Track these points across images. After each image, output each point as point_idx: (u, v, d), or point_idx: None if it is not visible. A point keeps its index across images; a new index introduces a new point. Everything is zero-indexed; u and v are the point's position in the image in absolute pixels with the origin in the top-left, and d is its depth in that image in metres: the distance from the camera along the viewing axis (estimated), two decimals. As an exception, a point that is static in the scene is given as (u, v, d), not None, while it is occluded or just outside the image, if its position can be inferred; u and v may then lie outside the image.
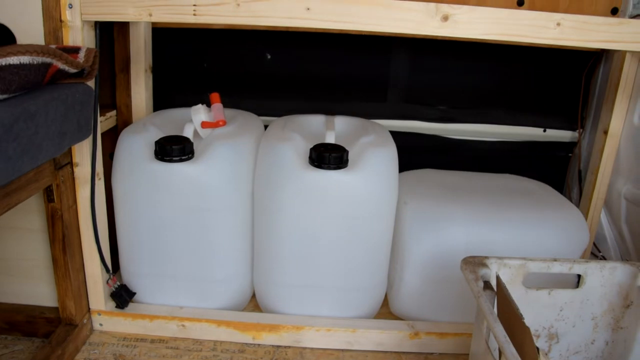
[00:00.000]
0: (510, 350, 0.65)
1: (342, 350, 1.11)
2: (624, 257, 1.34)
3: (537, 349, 0.70)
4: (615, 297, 0.93)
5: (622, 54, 1.27)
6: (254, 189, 1.10)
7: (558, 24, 0.93)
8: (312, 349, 1.11)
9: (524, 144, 1.47)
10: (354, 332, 1.10)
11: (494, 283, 0.84)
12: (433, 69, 1.40)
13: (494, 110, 1.44)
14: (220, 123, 1.13)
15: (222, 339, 1.11)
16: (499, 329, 0.69)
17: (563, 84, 1.44)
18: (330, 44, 1.38)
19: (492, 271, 0.87)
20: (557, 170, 1.50)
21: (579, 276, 0.94)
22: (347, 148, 1.04)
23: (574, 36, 0.94)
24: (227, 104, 1.19)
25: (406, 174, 1.27)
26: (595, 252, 1.42)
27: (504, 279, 0.89)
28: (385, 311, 1.21)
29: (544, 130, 1.47)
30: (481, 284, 0.81)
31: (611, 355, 0.96)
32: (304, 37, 1.37)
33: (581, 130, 1.46)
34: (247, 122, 1.20)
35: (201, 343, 1.10)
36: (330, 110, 1.35)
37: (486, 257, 0.88)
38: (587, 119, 1.46)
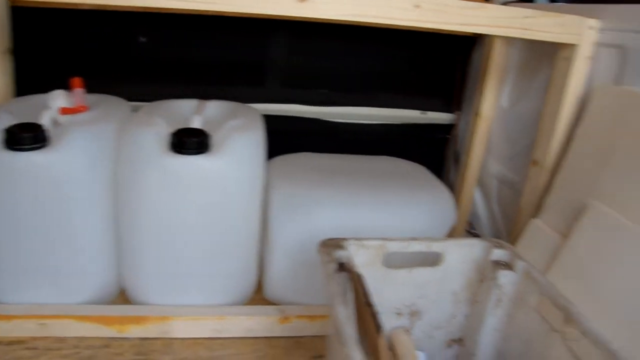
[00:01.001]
0: (346, 331, 0.65)
1: (211, 338, 1.08)
2: (496, 235, 1.41)
3: (379, 327, 0.71)
4: (472, 272, 0.96)
5: (492, 38, 1.32)
6: (116, 177, 1.05)
7: (417, 6, 0.94)
8: (181, 339, 1.07)
9: (405, 126, 1.50)
10: (222, 319, 1.07)
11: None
12: (313, 53, 1.40)
13: (375, 93, 1.46)
14: (81, 109, 1.07)
15: (85, 334, 1.05)
16: (340, 310, 0.69)
17: (442, 67, 1.48)
18: (207, 26, 1.34)
19: (350, 253, 0.87)
20: (436, 152, 1.55)
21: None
22: (213, 133, 1.01)
23: (434, 18, 0.96)
24: (98, 90, 1.13)
25: (280, 158, 1.25)
26: (470, 230, 1.48)
27: (363, 260, 0.90)
28: (259, 297, 1.19)
29: (424, 113, 1.50)
30: (334, 266, 0.81)
31: (469, 328, 0.99)
32: (180, 20, 1.32)
33: (459, 112, 1.51)
34: (112, 107, 1.14)
35: (63, 341, 1.04)
36: (207, 95, 1.31)
37: (344, 239, 0.88)
38: (464, 102, 1.51)
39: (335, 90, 1.43)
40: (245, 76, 1.39)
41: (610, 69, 1.02)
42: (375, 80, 1.44)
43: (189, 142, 0.97)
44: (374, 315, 0.69)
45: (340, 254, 0.85)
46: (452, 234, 1.40)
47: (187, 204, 1.01)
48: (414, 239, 0.93)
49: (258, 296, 1.19)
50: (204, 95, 1.30)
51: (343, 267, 0.84)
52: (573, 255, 0.95)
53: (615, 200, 0.92)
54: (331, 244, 0.87)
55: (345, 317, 0.68)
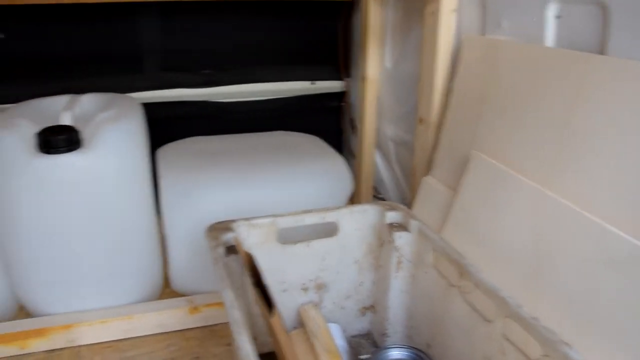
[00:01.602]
0: (233, 315, 0.62)
1: (122, 339, 1.02)
2: (402, 196, 1.41)
3: (271, 305, 0.68)
4: (371, 238, 0.94)
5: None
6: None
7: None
8: (88, 345, 1.01)
9: (296, 98, 1.46)
10: (130, 318, 1.01)
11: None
12: (189, 32, 1.33)
13: (260, 69, 1.41)
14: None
15: (-18, 356, 0.97)
16: (226, 294, 0.65)
17: (325, 34, 1.45)
18: (73, 16, 1.24)
19: (241, 234, 0.84)
20: (332, 122, 1.53)
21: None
22: (83, 128, 0.94)
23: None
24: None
25: (168, 146, 1.19)
26: (377, 195, 1.47)
27: (256, 240, 0.86)
28: (170, 291, 1.14)
29: (313, 83, 1.47)
30: (221, 250, 0.77)
31: (377, 294, 0.98)
32: (40, 12, 1.22)
33: (348, 79, 1.49)
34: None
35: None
36: (82, 90, 1.22)
37: (233, 221, 0.84)
38: (353, 68, 1.49)
39: (218, 69, 1.37)
40: (120, 64, 1.31)
41: (475, 20, 1.02)
42: (259, 55, 1.40)
43: (56, 140, 0.89)
44: (263, 295, 0.66)
45: (229, 236, 0.81)
46: (358, 202, 1.40)
47: (67, 206, 0.94)
48: (306, 211, 0.90)
49: (168, 290, 1.14)
50: (79, 90, 1.21)
51: (232, 249, 0.80)
52: (462, 209, 0.96)
53: (494, 149, 0.93)
54: (219, 228, 0.83)
55: (231, 301, 0.64)
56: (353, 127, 1.48)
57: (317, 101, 1.48)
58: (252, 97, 1.42)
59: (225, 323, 1.06)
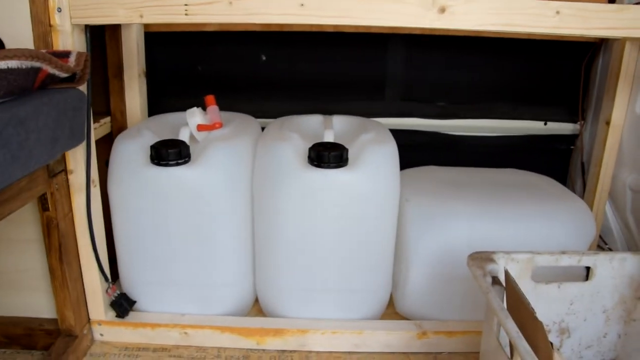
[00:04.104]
0: (522, 345, 0.63)
1: (349, 352, 1.08)
2: (631, 248, 1.32)
3: (551, 343, 0.68)
4: (626, 288, 0.91)
5: (621, 42, 1.26)
6: (253, 191, 1.08)
7: (557, 12, 0.91)
8: (317, 352, 1.09)
9: (525, 137, 1.45)
10: (360, 333, 1.07)
11: (502, 278, 0.82)
12: (430, 65, 1.39)
13: (493, 105, 1.43)
14: (217, 125, 1.11)
15: (225, 345, 1.09)
16: (511, 325, 0.67)
17: (563, 75, 1.42)
18: (325, 42, 1.36)
19: (500, 266, 0.85)
20: (559, 164, 1.48)
21: (588, 269, 0.92)
22: (346, 146, 1.02)
23: (574, 24, 0.92)
24: (222, 107, 1.17)
25: (407, 171, 1.25)
26: (602, 245, 1.40)
27: (512, 274, 0.87)
28: (391, 311, 1.18)
29: (545, 124, 1.45)
30: (489, 280, 0.79)
31: (624, 349, 0.93)
32: (298, 37, 1.35)
33: (582, 122, 1.45)
34: (243, 123, 1.18)
35: (205, 350, 1.08)
36: (327, 110, 1.33)
37: (493, 252, 0.86)
38: (588, 111, 1.45)
39: (454, 102, 1.41)
40: (364, 90, 1.40)
41: None
42: (494, 91, 1.41)
43: (329, 155, 0.98)
44: (543, 330, 0.66)
45: (492, 267, 0.83)
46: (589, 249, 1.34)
47: (326, 218, 1.02)
48: (563, 252, 0.89)
49: (390, 310, 1.18)
50: (324, 110, 1.33)
51: (495, 280, 0.81)
52: None
53: None
54: (481, 257, 0.85)
55: (517, 331, 0.65)
56: (583, 171, 1.42)
57: (547, 142, 1.46)
58: (482, 132, 1.43)
59: (450, 352, 1.08)
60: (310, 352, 1.09)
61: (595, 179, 1.34)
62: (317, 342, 1.09)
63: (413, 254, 1.07)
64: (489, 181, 1.21)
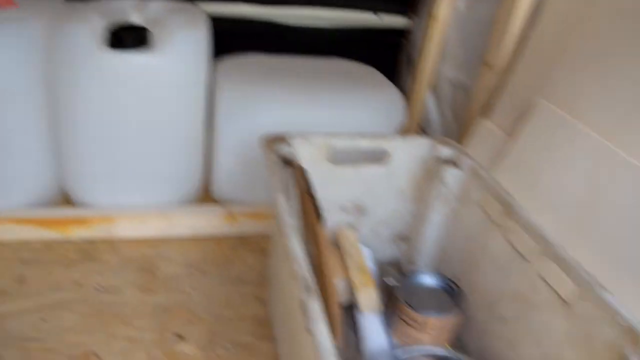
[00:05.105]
0: (286, 220, 0.64)
1: (157, 238, 1.07)
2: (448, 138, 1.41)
3: (320, 214, 0.71)
4: (419, 170, 0.96)
5: None
6: (47, 76, 0.99)
7: None
8: (125, 240, 1.06)
9: (358, 30, 1.44)
10: (167, 218, 1.06)
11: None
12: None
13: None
14: (3, 3, 0.98)
15: (26, 238, 1.02)
16: (281, 200, 0.68)
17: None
18: None
19: (295, 148, 0.86)
20: (390, 57, 1.51)
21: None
22: (153, 30, 0.95)
23: None
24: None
25: (227, 58, 1.20)
26: (437, 136, 1.47)
27: (308, 156, 0.88)
28: (208, 196, 1.18)
29: (377, 15, 1.44)
30: (277, 160, 0.80)
31: (416, 225, 1.01)
32: None
33: (414, 16, 1.46)
34: (42, 4, 1.05)
35: (3, 245, 1.01)
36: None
37: (288, 135, 0.86)
38: (419, 5, 1.46)
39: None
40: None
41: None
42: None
43: (128, 37, 0.92)
44: (314, 203, 0.68)
45: (284, 148, 0.83)
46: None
47: (128, 103, 0.97)
48: (360, 135, 0.91)
49: (205, 195, 1.17)
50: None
51: (286, 161, 0.82)
52: (518, 153, 0.96)
53: (562, 99, 0.92)
54: (275, 139, 0.85)
55: (286, 207, 0.67)
56: (409, 64, 1.46)
57: (378, 35, 1.46)
58: (313, 21, 1.40)
59: (260, 235, 1.10)
60: (117, 240, 1.06)
61: (419, 71, 1.38)
62: (124, 229, 1.06)
63: (222, 138, 1.07)
64: (310, 69, 1.20)
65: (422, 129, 1.47)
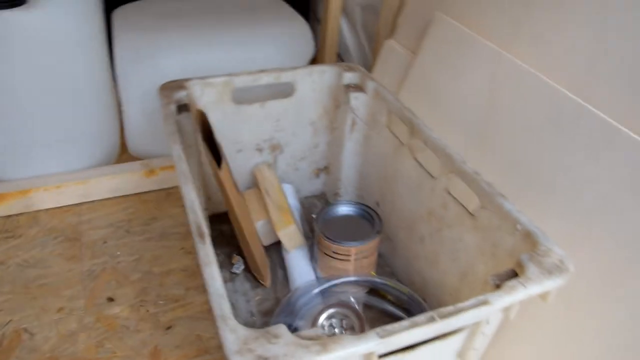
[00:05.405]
0: (181, 167, 0.63)
1: (78, 204, 1.04)
2: (365, 63, 1.39)
3: (218, 158, 0.69)
4: (328, 99, 0.95)
5: None
6: None
7: None
8: (46, 210, 1.03)
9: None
10: (85, 183, 1.03)
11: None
12: None
13: None
14: None
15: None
16: (175, 148, 0.66)
17: None
18: None
19: (195, 93, 0.83)
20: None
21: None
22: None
23: None
24: None
25: (124, 7, 1.14)
26: (340, 62, 1.45)
27: (210, 99, 0.86)
28: (128, 156, 1.15)
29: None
30: (173, 107, 0.77)
31: (332, 155, 1.00)
32: None
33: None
34: None
35: None
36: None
37: (186, 80, 0.83)
38: None
39: None
40: None
41: None
42: None
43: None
44: (212, 148, 0.67)
45: (181, 94, 0.81)
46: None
47: (16, 67, 0.91)
48: (262, 71, 0.89)
49: (126, 155, 1.14)
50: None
51: (185, 107, 0.80)
52: (421, 70, 0.96)
53: (459, 12, 0.91)
54: (172, 86, 0.82)
55: (179, 154, 0.65)
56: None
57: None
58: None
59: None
60: (38, 211, 1.03)
61: (329, -1, 1.34)
62: (43, 200, 1.02)
63: (126, 92, 1.02)
64: (213, 8, 1.16)
65: (340, 56, 1.44)
